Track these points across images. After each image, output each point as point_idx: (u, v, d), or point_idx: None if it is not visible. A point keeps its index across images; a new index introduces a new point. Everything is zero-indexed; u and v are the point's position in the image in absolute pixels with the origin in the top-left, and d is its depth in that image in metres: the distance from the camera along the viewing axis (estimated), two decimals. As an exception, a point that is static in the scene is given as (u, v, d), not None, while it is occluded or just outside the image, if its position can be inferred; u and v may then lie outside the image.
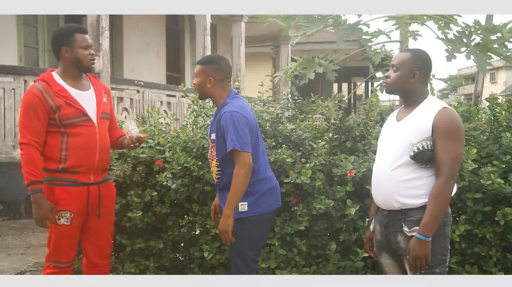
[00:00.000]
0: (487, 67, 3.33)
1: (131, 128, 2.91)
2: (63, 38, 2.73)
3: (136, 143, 2.91)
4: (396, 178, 2.31)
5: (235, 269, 2.68)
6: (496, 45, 3.23)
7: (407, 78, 2.37)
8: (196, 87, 2.80)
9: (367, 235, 2.63)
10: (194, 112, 3.67)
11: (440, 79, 4.89)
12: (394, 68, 2.40)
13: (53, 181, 2.68)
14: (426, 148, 2.24)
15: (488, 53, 3.23)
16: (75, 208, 2.69)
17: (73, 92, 2.72)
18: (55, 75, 2.74)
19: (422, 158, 2.25)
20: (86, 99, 2.76)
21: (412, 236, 2.25)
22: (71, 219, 2.69)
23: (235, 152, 2.58)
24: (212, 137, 2.72)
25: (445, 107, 2.31)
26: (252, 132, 2.67)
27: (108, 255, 2.95)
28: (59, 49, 2.73)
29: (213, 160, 2.73)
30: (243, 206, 2.63)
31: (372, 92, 4.28)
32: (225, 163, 2.66)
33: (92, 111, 2.75)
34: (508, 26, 3.28)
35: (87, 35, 2.79)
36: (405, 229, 2.29)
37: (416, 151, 2.25)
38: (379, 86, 3.91)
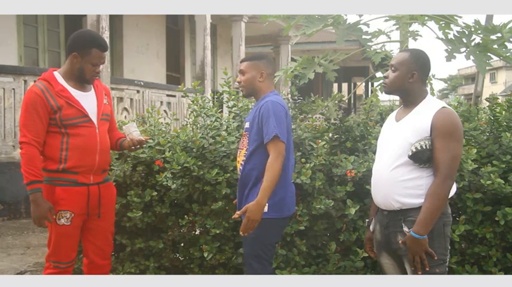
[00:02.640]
0: (487, 67, 3.33)
1: (132, 131, 2.90)
2: (80, 45, 2.70)
3: (138, 146, 2.91)
4: (395, 178, 2.31)
5: (250, 270, 2.65)
6: (495, 46, 3.23)
7: (406, 78, 2.37)
8: (244, 83, 2.78)
9: (367, 236, 2.63)
10: (194, 112, 3.67)
11: (440, 79, 4.88)
12: (392, 68, 2.40)
13: (53, 181, 2.68)
14: (424, 147, 2.24)
15: (488, 54, 3.22)
16: (75, 208, 2.70)
17: (74, 92, 2.72)
18: (57, 75, 2.74)
19: (421, 157, 2.25)
20: (87, 100, 2.76)
21: None
22: (71, 219, 2.69)
23: (274, 141, 2.55)
24: (246, 126, 2.71)
25: (443, 107, 2.31)
26: (287, 129, 2.68)
27: (109, 255, 2.95)
28: (72, 51, 2.71)
29: (242, 149, 2.71)
30: (265, 207, 2.59)
31: (372, 92, 4.28)
32: (253, 152, 2.64)
33: (92, 113, 2.75)
34: (508, 26, 3.27)
35: (105, 53, 2.76)
36: (405, 229, 2.29)
37: (414, 150, 2.26)
38: (379, 86, 3.90)
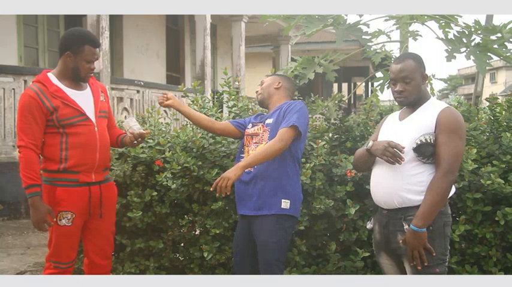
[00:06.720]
0: (487, 67, 3.33)
1: (132, 125, 2.88)
2: (72, 43, 2.69)
3: (139, 139, 2.89)
4: (398, 174, 2.32)
5: (269, 270, 2.65)
6: (496, 46, 3.23)
7: (420, 83, 2.41)
8: (262, 90, 2.97)
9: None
10: (194, 112, 3.66)
11: (440, 79, 4.89)
12: (407, 80, 2.38)
13: (54, 181, 2.68)
14: (428, 141, 2.27)
15: (488, 54, 3.23)
16: (77, 209, 2.69)
17: (69, 92, 2.71)
18: (51, 76, 2.73)
19: (424, 152, 2.28)
20: (83, 98, 2.75)
21: None
22: (72, 220, 2.68)
23: (290, 128, 2.65)
24: (268, 122, 2.81)
25: (448, 107, 2.37)
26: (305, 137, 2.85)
27: (110, 255, 2.94)
28: (64, 51, 2.70)
29: (262, 143, 2.78)
30: (286, 203, 2.66)
31: (372, 92, 4.28)
32: None
33: (89, 111, 2.74)
34: (508, 26, 3.28)
35: (97, 49, 2.74)
36: (405, 227, 2.29)
37: (419, 142, 2.29)
38: (379, 86, 3.90)
